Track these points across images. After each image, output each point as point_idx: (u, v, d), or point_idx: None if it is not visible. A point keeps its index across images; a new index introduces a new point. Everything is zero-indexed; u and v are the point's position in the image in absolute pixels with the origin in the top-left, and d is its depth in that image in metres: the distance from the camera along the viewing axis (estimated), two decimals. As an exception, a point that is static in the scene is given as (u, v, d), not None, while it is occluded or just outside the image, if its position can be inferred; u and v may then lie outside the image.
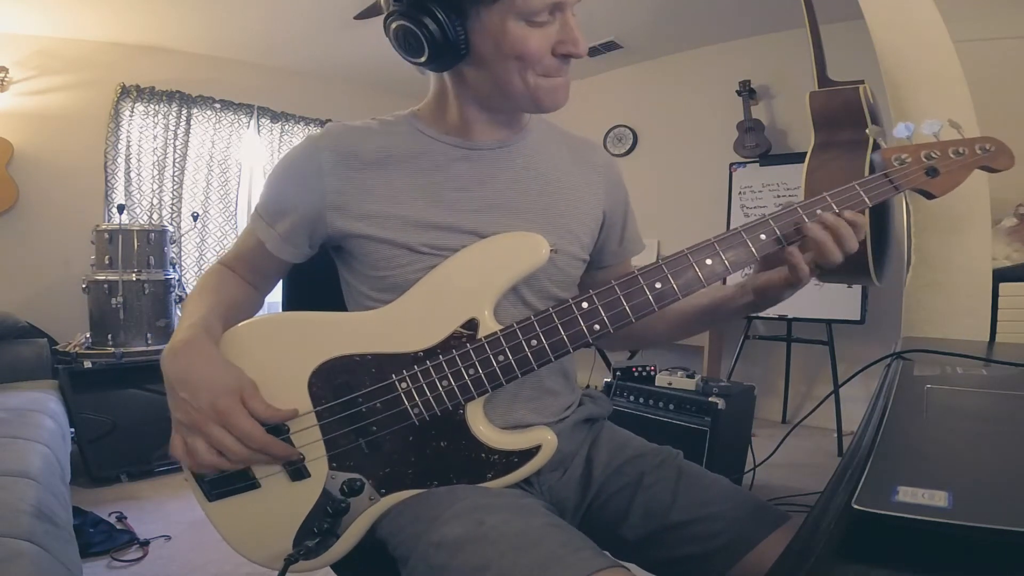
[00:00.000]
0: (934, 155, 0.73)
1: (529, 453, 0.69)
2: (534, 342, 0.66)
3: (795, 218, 0.69)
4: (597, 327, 0.66)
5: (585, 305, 0.66)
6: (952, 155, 0.73)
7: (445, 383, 0.67)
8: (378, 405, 0.68)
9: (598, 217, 0.82)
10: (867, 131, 0.76)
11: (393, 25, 0.66)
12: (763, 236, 0.68)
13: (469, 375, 0.66)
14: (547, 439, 0.69)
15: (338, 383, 0.68)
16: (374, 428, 0.68)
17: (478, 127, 0.74)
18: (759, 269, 0.73)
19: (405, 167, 0.73)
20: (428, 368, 0.67)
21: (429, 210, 0.72)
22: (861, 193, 0.70)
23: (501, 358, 0.66)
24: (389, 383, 0.67)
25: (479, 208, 0.73)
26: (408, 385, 0.67)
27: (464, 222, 0.72)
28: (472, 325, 0.67)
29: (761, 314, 3.24)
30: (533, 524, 0.60)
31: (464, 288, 0.69)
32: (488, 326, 0.67)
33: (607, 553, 0.58)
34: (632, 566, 0.75)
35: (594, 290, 0.67)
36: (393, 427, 0.68)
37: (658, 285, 0.67)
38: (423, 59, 0.66)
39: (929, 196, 0.74)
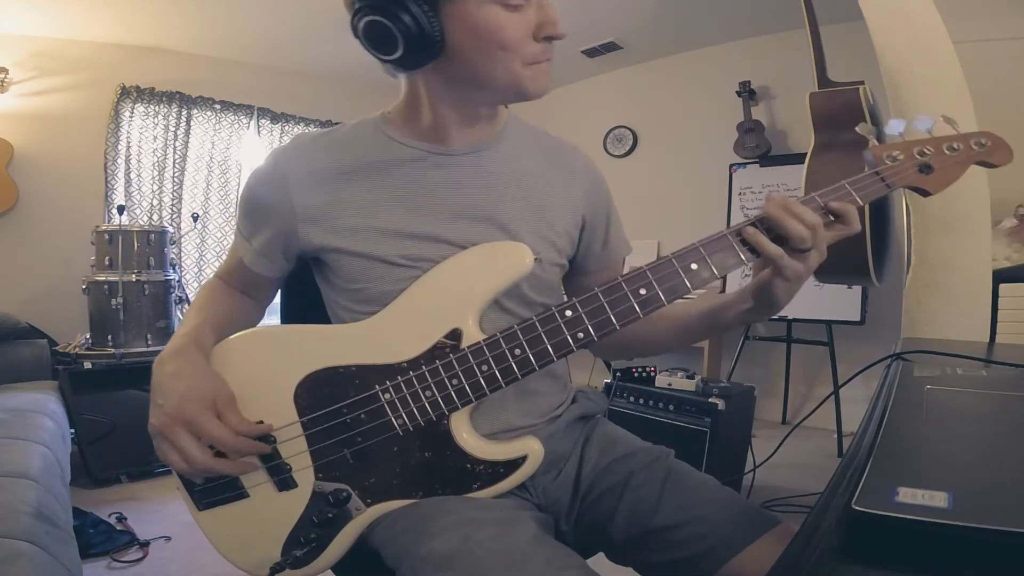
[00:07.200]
0: (927, 151, 0.71)
1: (515, 463, 0.68)
2: (518, 352, 0.65)
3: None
4: (581, 335, 0.65)
5: (568, 313, 0.65)
6: (946, 151, 0.71)
7: (428, 394, 0.66)
8: (362, 416, 0.67)
9: (577, 222, 0.80)
10: (858, 129, 0.75)
11: (362, 22, 0.62)
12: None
13: (452, 385, 0.66)
14: (533, 449, 0.68)
15: (323, 395, 0.68)
16: (359, 439, 0.67)
17: (452, 130, 0.72)
18: (756, 274, 0.70)
19: (375, 177, 0.72)
20: (411, 379, 0.66)
21: (401, 220, 0.70)
22: (852, 192, 0.68)
23: (485, 368, 0.65)
24: (372, 394, 0.67)
25: (452, 216, 0.71)
26: (392, 396, 0.67)
27: (437, 230, 0.70)
28: (455, 335, 0.67)
29: (761, 315, 3.27)
30: (520, 540, 0.59)
31: (448, 298, 0.68)
32: (472, 336, 0.66)
33: (595, 570, 0.58)
34: (628, 570, 0.75)
35: (577, 297, 0.65)
36: (377, 438, 0.67)
37: (642, 291, 0.64)
38: (397, 55, 0.63)
39: (924, 193, 0.71)
